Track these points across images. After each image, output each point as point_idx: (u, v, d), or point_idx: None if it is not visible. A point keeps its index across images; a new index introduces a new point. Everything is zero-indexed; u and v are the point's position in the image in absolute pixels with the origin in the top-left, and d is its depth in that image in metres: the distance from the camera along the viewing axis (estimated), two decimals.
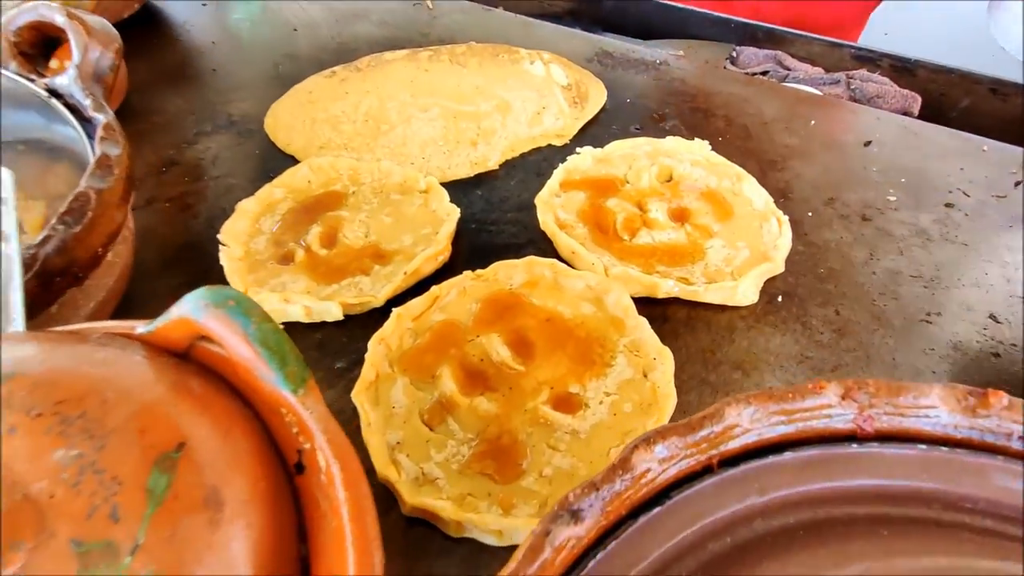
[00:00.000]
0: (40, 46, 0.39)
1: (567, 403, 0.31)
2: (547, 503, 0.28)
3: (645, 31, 0.74)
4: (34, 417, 0.16)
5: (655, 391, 0.31)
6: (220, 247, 0.40)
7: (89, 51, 0.36)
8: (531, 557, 0.15)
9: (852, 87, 0.61)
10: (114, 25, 0.57)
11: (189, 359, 0.21)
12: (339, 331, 0.37)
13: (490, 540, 0.27)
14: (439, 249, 0.39)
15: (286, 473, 0.20)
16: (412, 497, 0.27)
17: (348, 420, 0.32)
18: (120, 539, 0.15)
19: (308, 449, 0.19)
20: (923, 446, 0.18)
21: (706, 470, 0.18)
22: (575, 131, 0.53)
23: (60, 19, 0.36)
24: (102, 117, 0.34)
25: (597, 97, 0.57)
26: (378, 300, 0.38)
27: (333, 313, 0.37)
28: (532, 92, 0.58)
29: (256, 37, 0.67)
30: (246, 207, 0.44)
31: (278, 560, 0.18)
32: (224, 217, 0.43)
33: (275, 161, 0.50)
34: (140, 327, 0.22)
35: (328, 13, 0.69)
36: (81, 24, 0.37)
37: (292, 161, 0.49)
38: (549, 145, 0.52)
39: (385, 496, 0.28)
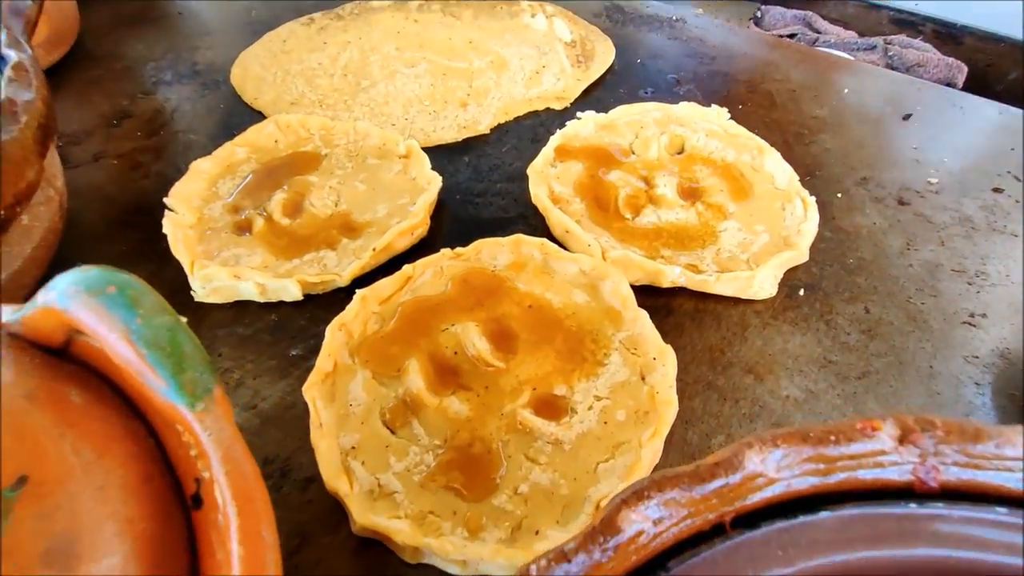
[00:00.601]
0: None
1: (551, 407, 0.27)
2: (521, 526, 0.24)
3: None
4: None
5: (653, 397, 0.27)
6: (166, 212, 0.35)
7: None
8: None
9: (890, 54, 0.55)
10: None
11: (68, 356, 0.17)
12: (298, 312, 0.33)
13: (453, 570, 0.23)
14: (415, 223, 0.35)
15: (182, 506, 0.16)
16: (363, 516, 0.23)
17: (300, 417, 0.27)
18: None
19: (207, 479, 0.15)
20: (1004, 509, 0.14)
21: (716, 530, 0.14)
22: (577, 93, 0.47)
23: None
24: (14, 55, 0.28)
25: (604, 56, 0.51)
26: (343, 279, 0.33)
27: (291, 292, 0.32)
28: (531, 49, 0.52)
29: None
30: (201, 167, 0.39)
31: None
32: (179, 176, 0.38)
33: (241, 117, 0.45)
34: (6, 313, 0.17)
35: None
36: None
37: (260, 118, 0.44)
38: (548, 109, 0.46)
39: (335, 510, 0.25)
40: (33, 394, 0.15)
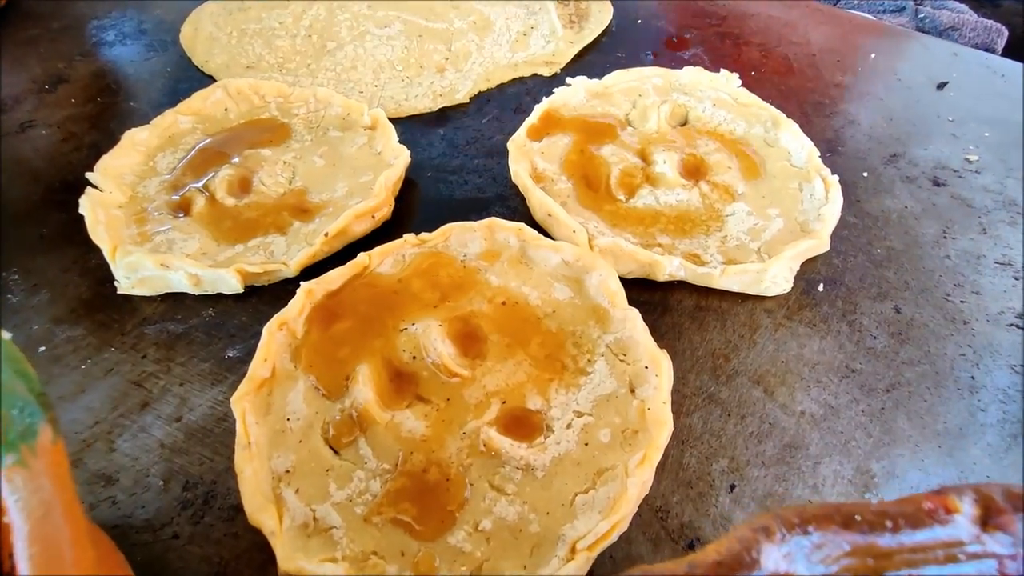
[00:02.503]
0: None
1: (522, 425, 0.23)
2: (481, 569, 0.20)
3: None
4: None
5: (644, 413, 0.22)
6: (87, 189, 0.30)
7: None
8: None
9: (921, 16, 0.49)
10: None
11: None
12: (239, 307, 0.29)
13: None
14: (374, 204, 0.30)
15: None
16: (290, 560, 0.19)
17: (231, 431, 0.23)
18: None
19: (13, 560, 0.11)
20: None
21: None
22: (569, 58, 0.42)
23: None
24: None
25: (600, 16, 0.45)
26: (290, 269, 0.29)
27: (229, 284, 0.28)
28: (519, 8, 0.47)
29: None
30: (137, 138, 0.34)
31: None
32: None
33: (189, 83, 0.40)
34: None
35: None
36: None
37: (210, 83, 0.39)
38: (535, 75, 0.41)
39: (262, 546, 0.21)
40: None
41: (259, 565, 0.21)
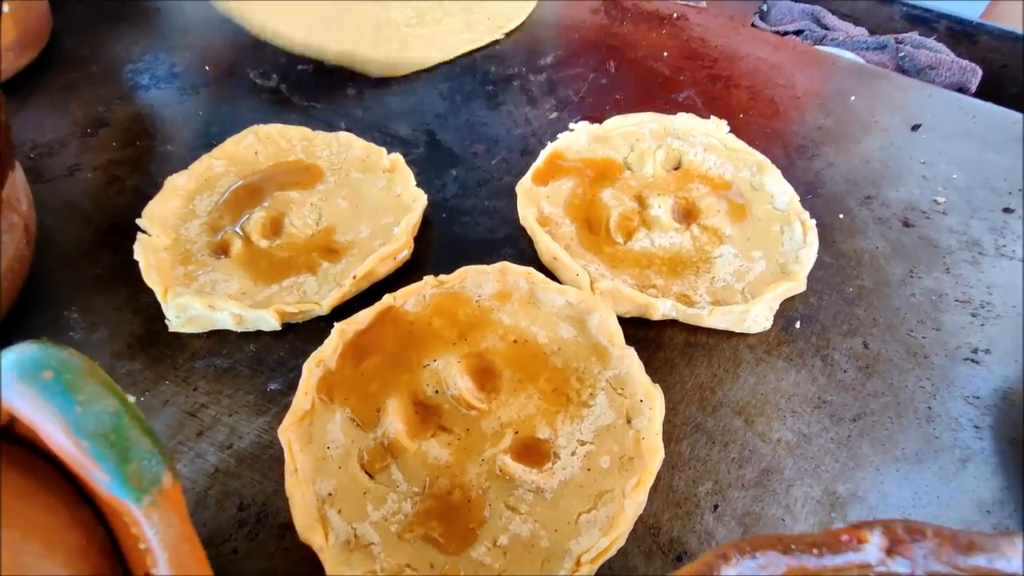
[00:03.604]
0: None
1: (533, 452, 0.26)
2: None
3: None
4: None
5: (639, 442, 0.26)
6: (139, 235, 0.34)
7: None
8: None
9: (901, 54, 0.53)
10: None
11: (11, 437, 0.16)
12: (277, 343, 0.32)
13: None
14: (396, 248, 0.33)
15: None
16: (338, 571, 0.23)
17: (278, 457, 0.27)
18: None
19: None
20: None
21: None
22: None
23: None
24: None
25: None
26: (322, 308, 0.32)
27: (269, 323, 0.31)
28: None
29: None
30: (177, 183, 0.37)
31: None
32: (156, 192, 0.37)
33: (220, 126, 0.43)
34: None
35: None
36: None
37: (238, 129, 0.42)
38: (539, 123, 0.44)
39: (310, 560, 0.24)
40: None
41: None
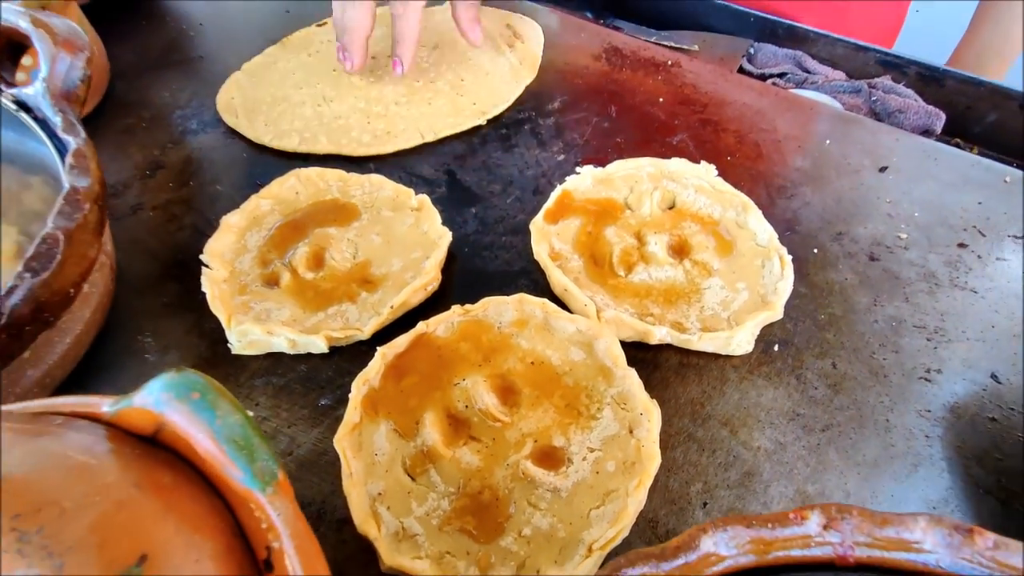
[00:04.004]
0: (7, 50, 0.37)
1: (550, 458, 0.31)
2: (524, 565, 0.28)
3: (660, 18, 0.70)
4: None
5: (639, 449, 0.30)
6: (203, 269, 0.39)
7: (57, 62, 0.34)
8: None
9: (873, 98, 0.58)
10: (91, 3, 0.54)
11: (157, 443, 0.21)
12: (325, 363, 0.37)
13: None
14: (426, 280, 0.38)
15: (255, 567, 0.20)
16: (391, 557, 0.27)
17: (332, 463, 0.31)
18: None
19: (277, 548, 0.19)
20: None
21: None
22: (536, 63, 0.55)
23: (24, 25, 0.34)
24: (73, 141, 0.32)
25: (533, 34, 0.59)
26: (364, 334, 0.37)
27: (318, 347, 0.36)
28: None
29: (246, 19, 0.63)
30: (231, 221, 0.42)
31: None
32: (210, 228, 0.42)
33: (263, 167, 0.48)
34: (105, 405, 0.21)
35: None
36: (48, 31, 0.34)
37: (277, 167, 0.47)
38: (548, 165, 0.49)
39: (366, 548, 0.28)
40: (139, 483, 0.19)
41: (364, 564, 0.29)
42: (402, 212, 0.44)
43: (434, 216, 0.42)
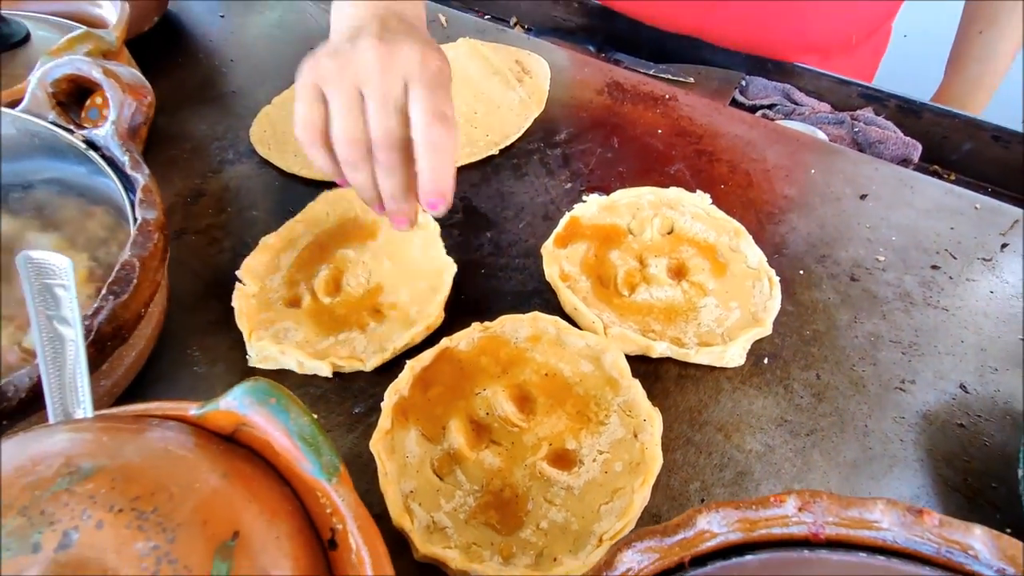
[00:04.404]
0: (75, 94, 0.41)
1: (563, 459, 0.34)
2: (543, 554, 0.31)
3: (658, 52, 0.75)
4: (116, 513, 0.19)
5: (643, 452, 0.34)
6: (237, 284, 0.42)
7: (124, 107, 0.39)
8: None
9: (855, 129, 0.63)
10: (133, 39, 0.59)
11: (235, 441, 0.24)
12: (356, 376, 0.40)
13: None
14: (430, 323, 0.41)
15: (320, 547, 0.23)
16: (424, 546, 0.31)
17: (366, 464, 0.35)
18: None
19: (340, 530, 0.23)
20: (864, 554, 0.21)
21: (678, 568, 0.21)
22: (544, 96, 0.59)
23: (97, 75, 0.39)
24: (140, 178, 0.36)
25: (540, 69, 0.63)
26: (366, 366, 0.39)
27: (324, 371, 0.39)
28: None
29: (275, 54, 0.68)
30: (269, 241, 0.46)
31: None
32: (247, 251, 0.46)
33: (294, 193, 0.53)
34: (193, 409, 0.25)
35: None
36: (116, 80, 0.39)
37: (308, 195, 0.51)
38: (556, 192, 0.53)
39: (399, 541, 0.32)
40: (227, 473, 0.22)
41: (398, 553, 0.32)
42: (413, 233, 0.48)
43: (439, 246, 0.45)
